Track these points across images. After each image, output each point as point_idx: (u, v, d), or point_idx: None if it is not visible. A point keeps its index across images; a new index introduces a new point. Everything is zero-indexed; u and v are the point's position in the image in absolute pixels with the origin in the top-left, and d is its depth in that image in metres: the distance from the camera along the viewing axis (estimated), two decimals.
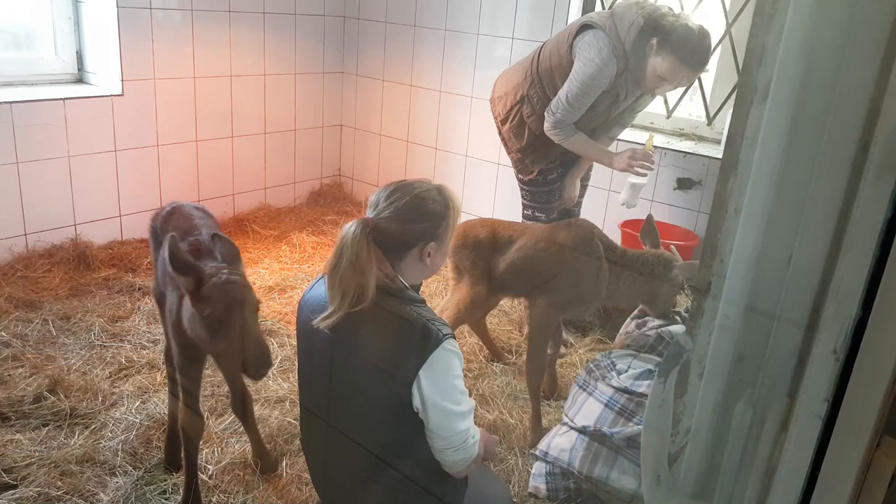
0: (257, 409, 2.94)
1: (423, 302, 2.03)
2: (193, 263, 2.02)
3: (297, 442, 2.74)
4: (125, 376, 3.13)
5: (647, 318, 3.13)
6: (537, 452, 2.61)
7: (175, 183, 4.66)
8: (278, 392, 3.10)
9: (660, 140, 4.08)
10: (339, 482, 2.18)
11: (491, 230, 3.06)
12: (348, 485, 2.15)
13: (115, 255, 4.23)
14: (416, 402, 1.91)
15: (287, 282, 4.20)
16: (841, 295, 0.64)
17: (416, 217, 1.97)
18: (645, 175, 3.31)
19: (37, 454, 2.55)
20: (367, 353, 1.95)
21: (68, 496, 2.37)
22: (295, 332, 3.57)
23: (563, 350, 3.64)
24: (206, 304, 1.96)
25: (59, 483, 2.42)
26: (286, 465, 2.65)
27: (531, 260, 2.95)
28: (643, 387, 2.57)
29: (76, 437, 2.68)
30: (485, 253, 3.02)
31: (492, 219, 3.22)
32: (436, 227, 1.99)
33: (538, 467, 2.60)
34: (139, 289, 3.93)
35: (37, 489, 2.37)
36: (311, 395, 2.18)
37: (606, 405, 2.56)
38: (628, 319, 3.17)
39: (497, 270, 3.01)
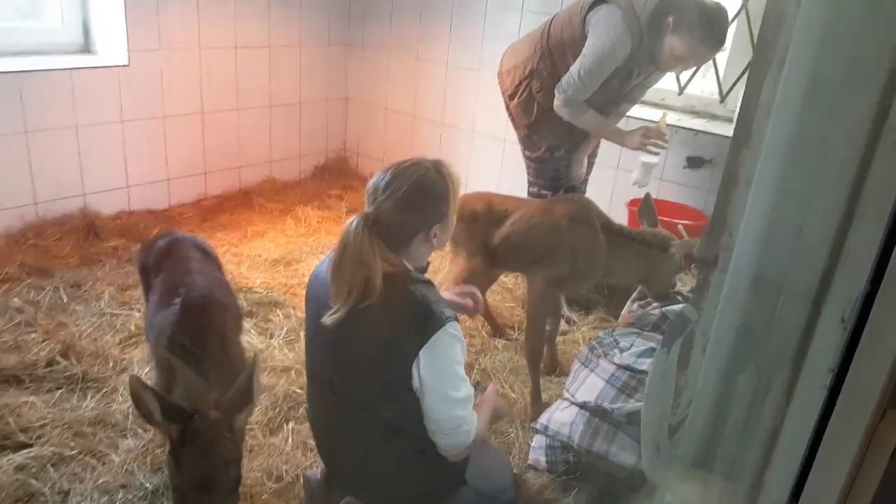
0: (263, 378, 2.99)
1: (430, 283, 2.05)
2: (182, 410, 1.71)
3: (302, 410, 2.79)
4: (135, 343, 3.17)
5: (649, 300, 3.15)
6: (537, 426, 2.66)
7: (181, 155, 4.67)
8: (284, 361, 3.15)
9: (671, 117, 4.05)
10: (342, 453, 2.22)
11: (487, 204, 3.07)
12: (351, 456, 2.19)
13: (124, 225, 4.26)
14: (415, 383, 1.93)
15: (292, 255, 4.23)
16: (851, 265, 0.65)
17: (417, 205, 1.93)
18: (658, 154, 3.29)
19: (50, 416, 2.60)
20: (370, 332, 1.96)
21: (81, 455, 2.43)
22: (300, 304, 3.63)
23: (564, 327, 3.67)
24: (179, 467, 1.69)
25: (73, 443, 2.47)
26: (291, 430, 2.70)
27: (526, 234, 2.97)
28: (645, 364, 2.60)
29: (88, 400, 2.73)
30: (481, 227, 3.03)
31: (488, 192, 3.22)
32: (438, 210, 1.96)
33: (538, 440, 2.65)
34: None
35: (51, 448, 2.43)
36: (316, 368, 2.21)
37: (608, 382, 2.59)
38: (631, 298, 3.19)
39: (493, 244, 3.02)
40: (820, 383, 0.75)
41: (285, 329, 3.41)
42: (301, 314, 3.52)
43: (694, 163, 3.99)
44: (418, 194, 1.92)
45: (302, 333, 3.36)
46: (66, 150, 4.10)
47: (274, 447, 2.63)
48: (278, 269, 4.07)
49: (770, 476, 0.68)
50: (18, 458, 2.38)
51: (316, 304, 2.08)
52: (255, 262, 4.10)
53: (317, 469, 2.36)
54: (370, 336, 1.96)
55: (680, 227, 3.26)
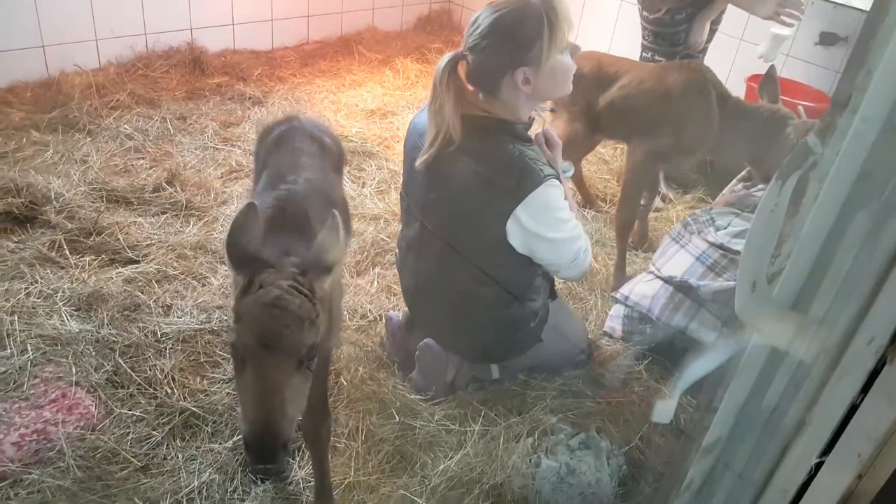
0: (354, 224, 3.08)
1: (530, 140, 1.98)
2: (249, 255, 1.43)
3: (389, 257, 2.88)
4: (235, 178, 3.31)
5: (755, 181, 2.97)
6: (618, 296, 2.64)
7: None
8: (374, 210, 3.21)
9: None
10: (425, 299, 2.29)
11: (596, 64, 2.89)
12: (434, 302, 2.26)
13: (228, 63, 4.33)
14: (514, 240, 1.93)
15: (388, 107, 4.21)
16: None
17: (499, 41, 1.80)
18: (791, 26, 2.96)
19: (156, 237, 2.80)
20: (458, 179, 1.95)
21: (183, 276, 2.62)
22: (393, 156, 3.65)
23: (659, 203, 3.54)
24: (238, 318, 1.37)
25: (175, 264, 2.67)
26: (377, 275, 2.80)
27: (634, 100, 2.79)
28: (739, 245, 2.49)
29: (191, 226, 2.91)
30: (586, 88, 2.86)
31: (598, 52, 3.02)
32: (526, 49, 1.80)
33: (616, 310, 2.64)
34: (249, 98, 4.04)
35: (156, 266, 2.63)
36: (408, 218, 2.25)
37: (698, 259, 2.51)
38: (736, 178, 3.01)
39: (597, 108, 2.87)
40: None
41: (377, 179, 3.46)
42: (393, 166, 3.55)
43: (827, 39, 3.58)
44: (502, 29, 1.79)
45: (393, 185, 3.40)
46: None
47: (360, 288, 2.74)
48: (374, 119, 4.07)
49: (869, 322, 0.63)
50: (127, 271, 2.59)
51: (411, 154, 2.08)
52: (352, 112, 4.11)
53: (399, 312, 2.46)
54: (458, 183, 1.95)
55: (800, 107, 2.99)
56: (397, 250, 2.41)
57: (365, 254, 2.91)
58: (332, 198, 1.97)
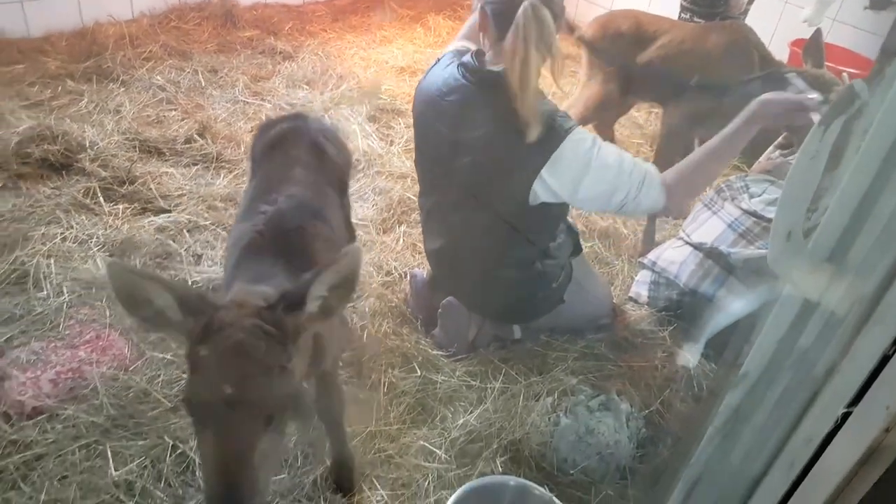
0: (381, 182, 3.08)
1: (543, 95, 1.96)
2: (204, 299, 1.18)
3: (415, 216, 2.88)
4: None
5: (794, 149, 2.90)
6: (645, 261, 2.62)
7: None
8: (401, 168, 3.21)
9: None
10: (449, 262, 2.30)
11: (634, 23, 2.82)
12: (458, 266, 2.27)
13: (259, 17, 4.31)
14: (545, 196, 1.92)
15: (418, 65, 4.17)
16: None
17: None
18: None
19: (187, 187, 2.83)
20: (488, 143, 1.93)
21: (213, 226, 2.66)
22: None
23: None
24: (193, 370, 1.16)
25: (206, 214, 2.70)
26: (403, 233, 2.81)
27: (673, 61, 2.72)
28: (773, 213, 2.45)
29: (221, 178, 2.94)
30: (623, 48, 2.80)
31: (636, 10, 2.94)
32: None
33: (643, 275, 2.62)
34: (280, 52, 4.03)
35: (187, 216, 2.67)
36: (427, 180, 2.24)
37: (730, 226, 2.47)
38: (774, 144, 2.94)
39: (633, 69, 2.81)
40: None
41: (405, 138, 3.44)
42: None
43: (879, 3, 3.44)
44: None
45: None
46: None
47: (385, 245, 2.75)
48: (404, 77, 4.04)
49: None
50: (159, 220, 2.64)
51: (421, 119, 2.08)
52: (382, 68, 4.08)
53: (424, 270, 2.47)
54: (484, 140, 1.94)
55: (845, 75, 2.89)
56: (420, 211, 2.42)
57: (392, 212, 2.92)
58: (326, 221, 1.68)
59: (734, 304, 2.13)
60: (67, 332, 2.12)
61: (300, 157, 1.78)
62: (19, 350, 2.03)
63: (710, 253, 2.42)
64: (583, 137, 1.87)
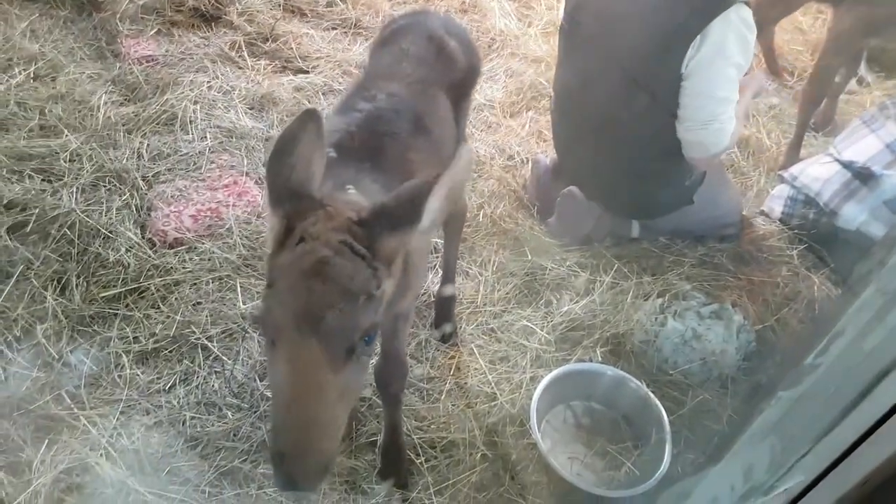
0: (514, 64, 3.00)
1: None
2: (290, 187, 1.05)
3: (544, 102, 2.80)
4: (404, 2, 3.28)
5: None
6: (786, 175, 2.44)
7: None
8: (537, 52, 3.10)
9: None
10: (578, 148, 2.24)
11: None
12: (587, 154, 2.21)
13: None
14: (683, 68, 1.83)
15: None
16: None
17: None
18: None
19: (325, 51, 2.89)
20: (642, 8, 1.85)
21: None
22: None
23: (854, 86, 3.14)
24: (268, 283, 1.03)
25: (341, 79, 2.76)
26: (530, 118, 2.76)
27: None
28: None
29: (357, 45, 2.97)
30: None
31: None
32: None
33: (780, 189, 2.45)
34: None
35: (324, 79, 2.74)
36: (569, 56, 2.15)
37: (888, 146, 2.26)
38: None
39: None
40: None
41: (545, 20, 3.31)
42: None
43: None
44: None
45: None
46: None
47: (511, 129, 2.72)
48: None
49: None
50: (297, 80, 2.72)
51: None
52: None
53: (548, 157, 2.43)
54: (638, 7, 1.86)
55: None
56: (552, 94, 2.34)
57: (521, 95, 2.86)
58: (425, 130, 1.47)
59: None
60: (208, 175, 2.28)
61: (412, 52, 1.59)
62: (165, 185, 2.22)
63: (859, 173, 2.22)
64: (739, 31, 1.76)
